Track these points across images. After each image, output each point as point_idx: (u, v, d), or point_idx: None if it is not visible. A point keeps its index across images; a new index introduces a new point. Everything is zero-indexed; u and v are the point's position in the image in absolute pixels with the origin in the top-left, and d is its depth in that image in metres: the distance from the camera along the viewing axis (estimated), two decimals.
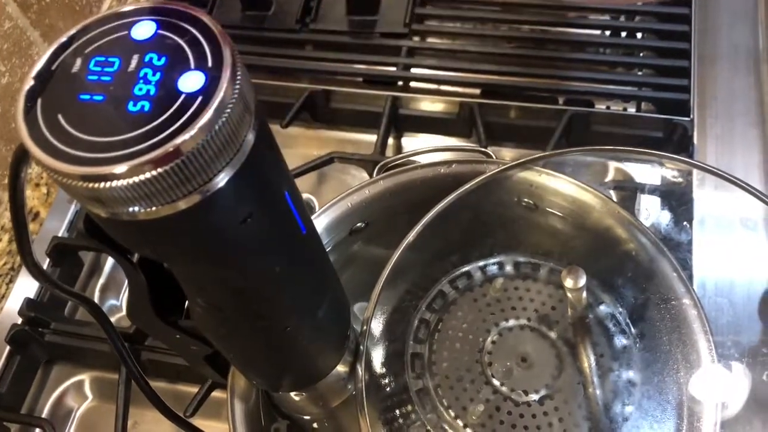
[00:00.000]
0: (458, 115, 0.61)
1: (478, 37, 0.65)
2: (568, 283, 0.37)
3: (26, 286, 0.57)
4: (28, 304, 0.55)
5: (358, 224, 0.43)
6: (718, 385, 0.35)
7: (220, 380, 0.38)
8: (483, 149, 0.44)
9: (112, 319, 0.58)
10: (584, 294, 0.37)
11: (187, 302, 0.31)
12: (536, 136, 0.59)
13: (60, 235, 0.59)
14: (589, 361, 0.38)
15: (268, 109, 0.62)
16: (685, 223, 0.51)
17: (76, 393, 0.56)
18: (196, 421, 0.47)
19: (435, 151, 0.46)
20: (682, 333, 0.36)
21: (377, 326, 0.40)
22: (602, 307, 0.39)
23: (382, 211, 0.43)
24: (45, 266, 0.58)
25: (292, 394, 0.37)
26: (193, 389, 0.52)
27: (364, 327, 0.37)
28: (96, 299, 0.60)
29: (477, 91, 0.63)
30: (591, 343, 0.38)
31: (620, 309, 0.39)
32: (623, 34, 0.64)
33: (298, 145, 0.64)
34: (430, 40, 0.66)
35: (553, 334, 0.39)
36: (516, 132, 0.61)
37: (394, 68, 0.64)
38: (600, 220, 0.39)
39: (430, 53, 0.65)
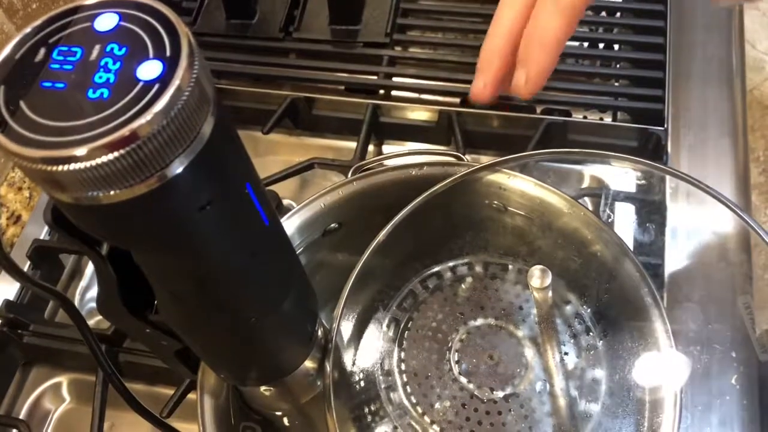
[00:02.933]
0: (437, 124, 0.62)
1: (459, 47, 0.66)
2: (534, 282, 0.38)
3: (5, 288, 0.58)
4: (7, 305, 0.56)
5: (332, 225, 0.44)
6: (678, 382, 0.36)
7: (191, 376, 0.38)
8: (455, 153, 0.45)
9: (92, 322, 0.59)
10: (550, 293, 0.38)
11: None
12: (514, 144, 0.60)
13: (41, 237, 0.60)
14: (554, 359, 0.38)
15: (250, 115, 0.64)
16: (655, 228, 0.52)
17: (54, 395, 0.56)
18: (173, 423, 0.48)
19: (409, 154, 0.47)
20: (644, 333, 0.37)
21: (348, 324, 0.41)
22: (568, 307, 0.40)
23: (356, 213, 0.44)
24: (25, 269, 0.58)
25: (262, 389, 0.37)
26: (171, 391, 0.53)
27: (334, 324, 0.37)
28: (76, 302, 0.60)
29: (457, 99, 0.64)
30: (556, 342, 0.39)
31: (585, 308, 0.40)
32: (601, 45, 0.66)
33: (279, 152, 0.65)
34: (411, 50, 0.67)
35: (519, 333, 0.39)
36: (494, 140, 0.62)
37: (375, 77, 0.65)
38: (566, 222, 0.40)
39: (411, 63, 0.66)
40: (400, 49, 0.67)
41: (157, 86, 0.20)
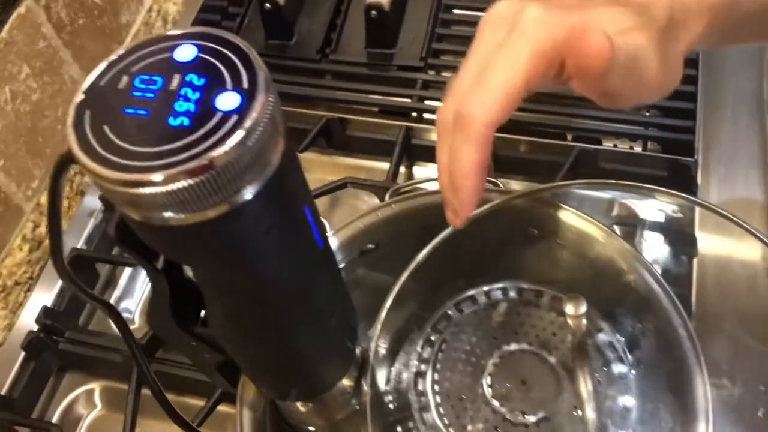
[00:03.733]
0: None
1: None
2: (569, 310, 0.39)
3: (44, 295, 0.59)
4: (45, 312, 0.57)
5: (368, 246, 0.45)
6: (708, 413, 0.36)
7: (230, 389, 0.39)
8: (491, 179, 0.46)
9: None
10: (584, 321, 0.39)
11: (205, 310, 0.33)
12: (544, 170, 0.61)
13: (78, 247, 0.61)
14: (586, 385, 0.39)
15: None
16: (684, 258, 0.52)
17: (86, 401, 0.57)
18: None
19: None
20: (677, 363, 0.38)
21: (383, 343, 0.41)
22: (601, 335, 0.41)
23: (392, 235, 0.45)
24: None
25: (299, 404, 0.38)
26: (200, 402, 0.54)
27: (371, 343, 0.38)
28: None
29: None
30: (589, 369, 0.39)
31: (618, 337, 0.40)
32: None
33: (313, 170, 0.66)
34: (444, 74, 0.69)
35: (552, 359, 0.40)
36: (524, 165, 0.62)
37: (409, 100, 0.66)
38: (602, 251, 0.41)
39: (444, 87, 0.67)
40: (433, 73, 0.68)
41: (235, 117, 0.22)
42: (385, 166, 0.65)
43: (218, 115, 0.22)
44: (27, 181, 0.61)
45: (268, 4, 0.67)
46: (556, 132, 0.63)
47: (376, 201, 0.62)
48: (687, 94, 0.63)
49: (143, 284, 0.62)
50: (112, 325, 0.60)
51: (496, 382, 0.39)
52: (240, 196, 0.23)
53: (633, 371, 0.39)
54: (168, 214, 0.23)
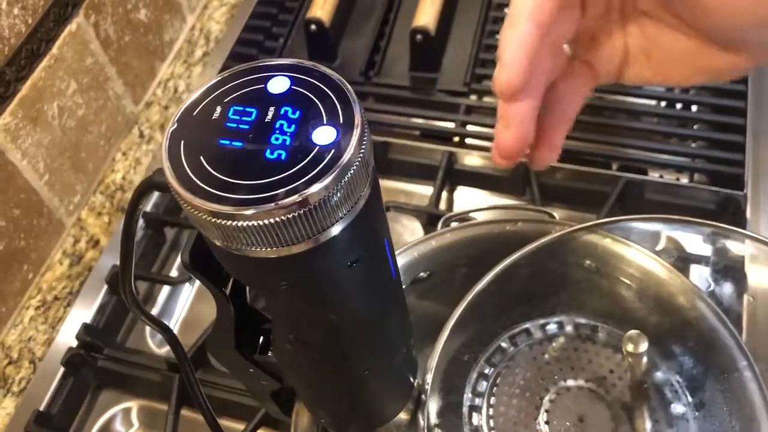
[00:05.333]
0: (512, 173, 0.63)
1: None
2: (629, 347, 0.38)
3: (83, 311, 0.59)
4: (86, 329, 0.57)
5: (421, 274, 0.44)
6: None
7: (282, 417, 0.39)
8: (547, 211, 0.46)
9: (163, 350, 0.60)
10: (645, 359, 0.38)
11: (270, 337, 0.32)
12: (589, 200, 0.60)
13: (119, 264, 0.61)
14: (645, 425, 0.38)
15: None
16: (736, 296, 0.51)
17: (123, 420, 0.57)
18: None
19: (497, 208, 0.47)
20: (742, 406, 0.37)
21: (436, 376, 0.41)
22: (660, 374, 0.40)
23: (445, 263, 0.44)
24: (102, 293, 0.60)
25: None
26: (238, 426, 0.53)
27: (427, 376, 0.38)
28: (148, 330, 0.62)
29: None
30: (648, 409, 0.38)
31: (678, 377, 0.39)
32: (678, 105, 0.66)
33: None
34: (487, 99, 0.68)
35: (610, 397, 0.39)
36: (568, 194, 0.62)
37: (452, 124, 0.66)
38: (662, 287, 0.40)
39: (487, 112, 0.67)
40: (476, 98, 0.68)
41: (332, 152, 0.21)
42: (425, 190, 0.65)
43: (315, 150, 0.21)
44: (69, 196, 0.61)
45: (313, 26, 0.67)
46: (600, 161, 0.62)
47: (416, 225, 0.62)
48: (736, 126, 0.62)
49: (183, 303, 0.62)
50: (150, 343, 0.61)
51: (553, 419, 0.38)
52: (328, 233, 0.23)
53: (694, 413, 0.38)
54: (255, 248, 0.22)
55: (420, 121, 0.67)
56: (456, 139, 0.66)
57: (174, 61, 0.74)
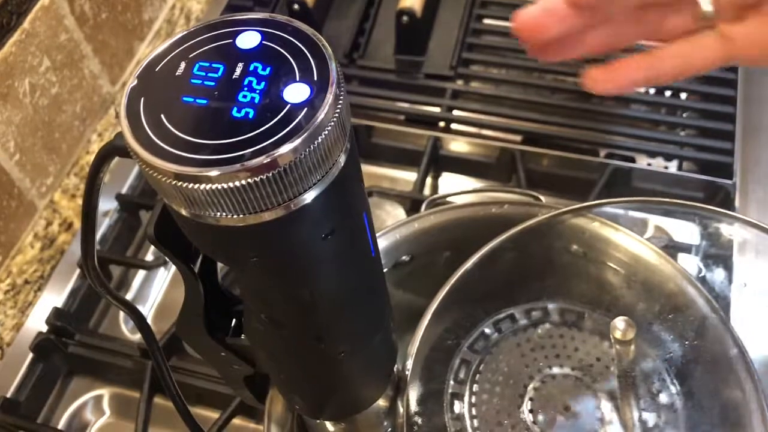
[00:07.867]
0: (498, 160, 0.61)
1: (522, 85, 0.65)
2: (617, 334, 0.37)
3: (54, 296, 0.57)
4: (56, 313, 0.55)
5: (403, 257, 0.43)
6: None
7: (256, 403, 0.37)
8: (533, 194, 0.44)
9: (136, 336, 0.58)
10: (632, 347, 0.37)
11: (242, 318, 0.31)
12: (576, 187, 0.59)
13: None
14: (632, 414, 0.37)
15: None
16: (727, 282, 0.50)
17: (95, 407, 0.55)
18: None
19: (483, 191, 0.46)
20: (732, 396, 0.36)
21: (417, 363, 0.39)
22: (648, 362, 0.39)
23: (427, 247, 0.43)
24: (74, 277, 0.58)
25: (329, 424, 0.36)
26: (213, 414, 0.52)
27: (408, 362, 0.36)
28: (121, 315, 0.60)
29: (517, 137, 0.63)
30: (635, 397, 0.37)
31: (667, 365, 0.38)
32: (667, 93, 0.65)
33: None
34: (474, 84, 0.67)
35: (597, 385, 0.38)
36: (555, 181, 0.61)
37: (437, 109, 0.64)
38: (651, 273, 0.39)
39: (473, 97, 0.65)
40: (462, 83, 0.66)
41: (305, 110, 0.20)
42: (408, 175, 0.63)
43: (286, 108, 0.20)
44: (41, 177, 0.59)
45: (296, 5, 0.65)
46: (588, 148, 0.61)
47: (399, 211, 0.60)
48: (725, 114, 0.61)
49: (158, 288, 0.60)
50: (123, 329, 0.59)
51: (538, 407, 0.37)
52: (300, 199, 0.21)
53: (683, 402, 0.37)
54: (219, 214, 0.21)
55: (405, 105, 0.65)
56: (441, 124, 0.64)
57: (153, 40, 0.72)
